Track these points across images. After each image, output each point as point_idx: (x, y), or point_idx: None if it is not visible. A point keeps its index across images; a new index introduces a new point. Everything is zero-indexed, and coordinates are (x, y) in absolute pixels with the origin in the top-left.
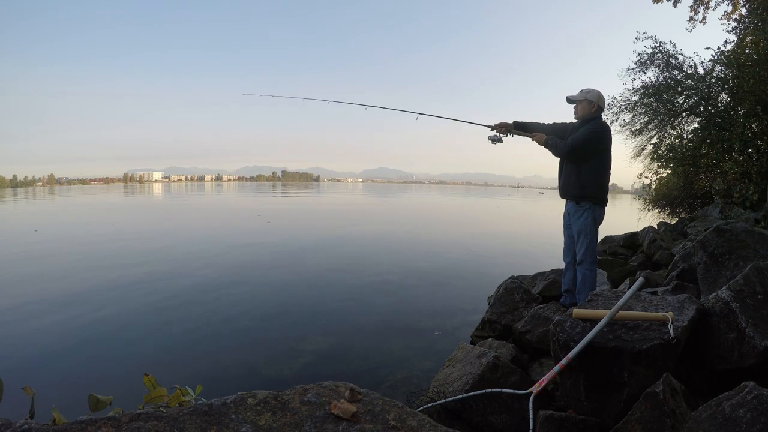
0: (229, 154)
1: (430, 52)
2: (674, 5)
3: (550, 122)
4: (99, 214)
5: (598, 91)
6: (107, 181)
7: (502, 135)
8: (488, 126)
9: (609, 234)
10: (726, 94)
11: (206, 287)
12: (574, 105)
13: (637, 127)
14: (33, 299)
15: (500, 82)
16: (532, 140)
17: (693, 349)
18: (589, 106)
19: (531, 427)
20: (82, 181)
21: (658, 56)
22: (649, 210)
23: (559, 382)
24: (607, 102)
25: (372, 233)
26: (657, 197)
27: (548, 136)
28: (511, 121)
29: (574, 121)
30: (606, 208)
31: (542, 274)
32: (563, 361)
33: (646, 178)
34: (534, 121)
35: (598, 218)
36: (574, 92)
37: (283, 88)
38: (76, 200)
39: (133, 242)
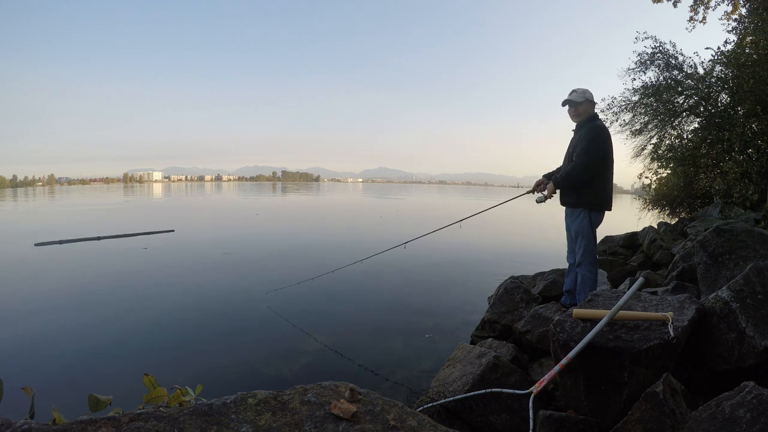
0: (228, 154)
1: (429, 52)
2: (674, 5)
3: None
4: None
5: (589, 90)
6: (107, 181)
7: (546, 195)
8: (532, 192)
9: (609, 234)
10: (726, 94)
11: (206, 287)
12: (575, 107)
13: (637, 127)
14: (22, 304)
15: (500, 82)
16: (553, 193)
17: (693, 349)
18: (591, 106)
19: (531, 427)
20: (82, 181)
21: (658, 56)
22: (649, 210)
23: (559, 382)
24: (607, 102)
25: (370, 232)
26: (657, 197)
27: (554, 177)
28: (541, 178)
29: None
30: (607, 212)
31: (542, 274)
32: (563, 361)
33: (646, 178)
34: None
35: (595, 220)
36: (569, 93)
37: (282, 87)
38: (109, 200)
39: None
